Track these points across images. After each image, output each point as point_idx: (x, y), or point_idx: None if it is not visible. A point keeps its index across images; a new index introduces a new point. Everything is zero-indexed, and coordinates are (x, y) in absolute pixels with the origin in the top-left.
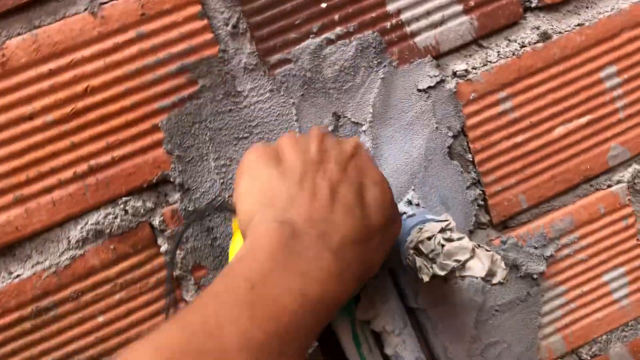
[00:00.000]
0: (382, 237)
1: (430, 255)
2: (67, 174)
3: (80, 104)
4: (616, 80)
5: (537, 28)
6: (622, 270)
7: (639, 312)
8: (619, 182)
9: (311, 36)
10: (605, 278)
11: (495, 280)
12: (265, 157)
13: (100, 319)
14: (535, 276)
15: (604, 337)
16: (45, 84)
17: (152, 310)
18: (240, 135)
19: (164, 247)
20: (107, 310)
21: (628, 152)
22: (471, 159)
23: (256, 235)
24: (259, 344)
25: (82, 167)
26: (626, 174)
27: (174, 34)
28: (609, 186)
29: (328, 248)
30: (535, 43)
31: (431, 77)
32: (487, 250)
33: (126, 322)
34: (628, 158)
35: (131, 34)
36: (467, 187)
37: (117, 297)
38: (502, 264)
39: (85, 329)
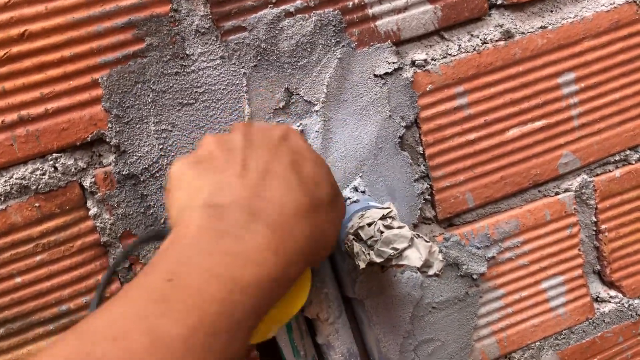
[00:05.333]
0: (331, 211)
1: (369, 242)
2: None
3: (15, 49)
4: (574, 87)
5: (501, 26)
6: (561, 278)
7: (573, 321)
8: (567, 190)
9: (269, 6)
10: (544, 285)
11: (431, 272)
12: (188, 161)
13: (18, 279)
14: (475, 277)
15: (538, 343)
16: None
17: (74, 275)
18: (185, 101)
19: (93, 211)
20: (26, 271)
21: (579, 161)
22: (422, 152)
23: (180, 224)
24: (178, 340)
25: (12, 116)
26: (575, 182)
27: None
28: (557, 194)
29: (264, 223)
30: (497, 41)
31: (389, 64)
32: (426, 241)
33: (46, 285)
34: (578, 167)
35: None
36: (415, 180)
37: (37, 258)
38: (440, 256)
39: (1, 289)
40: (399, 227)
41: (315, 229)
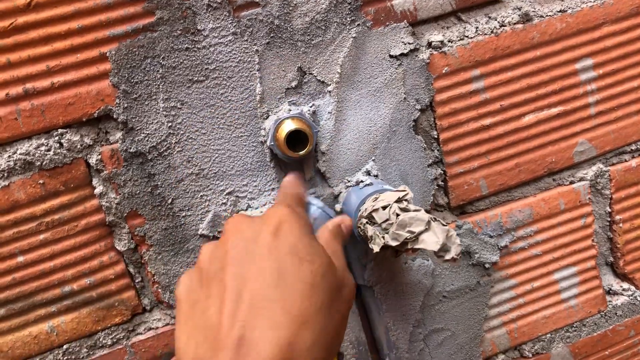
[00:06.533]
0: (331, 310)
1: (384, 225)
2: None
3: (21, 20)
4: (591, 74)
5: (519, 9)
6: (574, 269)
7: (585, 313)
8: (582, 179)
9: None
10: (557, 276)
11: (448, 257)
12: (187, 284)
13: (20, 258)
14: (487, 266)
15: (548, 335)
16: None
17: (78, 256)
18: (195, 78)
19: (98, 189)
20: (28, 250)
21: (594, 149)
22: (436, 136)
23: None
24: None
25: (17, 89)
26: (590, 172)
27: None
28: (572, 182)
29: None
30: (515, 24)
31: (405, 44)
32: (443, 225)
33: (49, 265)
34: (594, 156)
35: None
36: (429, 165)
37: (41, 237)
38: (457, 240)
39: (2, 268)
40: (415, 210)
41: (320, 339)
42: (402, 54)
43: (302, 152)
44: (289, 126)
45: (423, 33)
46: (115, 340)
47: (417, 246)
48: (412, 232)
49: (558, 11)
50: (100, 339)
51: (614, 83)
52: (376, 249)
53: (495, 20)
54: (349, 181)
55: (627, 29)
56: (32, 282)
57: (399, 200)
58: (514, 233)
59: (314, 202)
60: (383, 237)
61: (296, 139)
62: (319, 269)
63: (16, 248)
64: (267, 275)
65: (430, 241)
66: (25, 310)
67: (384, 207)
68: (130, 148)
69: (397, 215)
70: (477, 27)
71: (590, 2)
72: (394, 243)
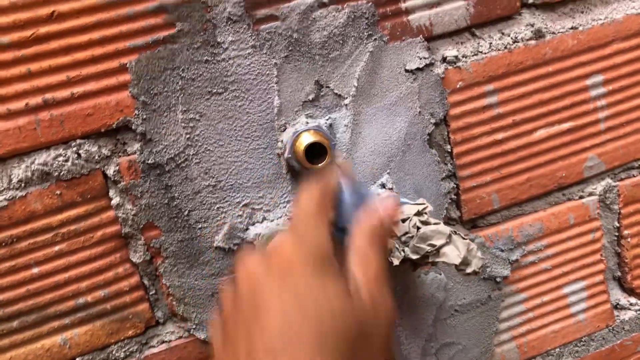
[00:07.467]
0: (367, 341)
1: (403, 238)
2: (19, 104)
3: (43, 30)
4: (601, 90)
5: (532, 25)
6: (582, 284)
7: (593, 328)
8: (591, 194)
9: None
10: (566, 290)
11: (469, 270)
12: (217, 333)
13: (35, 270)
14: (498, 280)
15: (557, 350)
16: (4, 0)
17: (93, 267)
18: (214, 90)
19: (115, 200)
20: (43, 262)
21: (603, 164)
22: (449, 150)
23: None
24: None
25: (36, 99)
26: (599, 187)
27: None
28: (581, 197)
29: None
30: (528, 40)
31: (420, 59)
32: (463, 238)
33: (63, 277)
34: (603, 171)
35: None
36: (442, 179)
37: (56, 248)
38: (479, 253)
39: (17, 280)
40: (435, 223)
41: None
42: (417, 69)
43: (320, 164)
44: (307, 138)
45: (438, 48)
46: (128, 353)
47: (438, 259)
48: (433, 245)
49: (570, 28)
50: (113, 352)
51: (623, 99)
52: (396, 262)
53: (509, 36)
54: None
55: (636, 46)
56: (46, 294)
57: (418, 213)
58: (524, 247)
59: (346, 189)
60: (403, 250)
61: (313, 151)
62: (327, 323)
63: (31, 259)
64: (273, 335)
65: (452, 255)
66: (39, 322)
67: (404, 220)
68: (148, 159)
69: (418, 228)
70: (490, 43)
71: (601, 19)
72: (414, 256)
